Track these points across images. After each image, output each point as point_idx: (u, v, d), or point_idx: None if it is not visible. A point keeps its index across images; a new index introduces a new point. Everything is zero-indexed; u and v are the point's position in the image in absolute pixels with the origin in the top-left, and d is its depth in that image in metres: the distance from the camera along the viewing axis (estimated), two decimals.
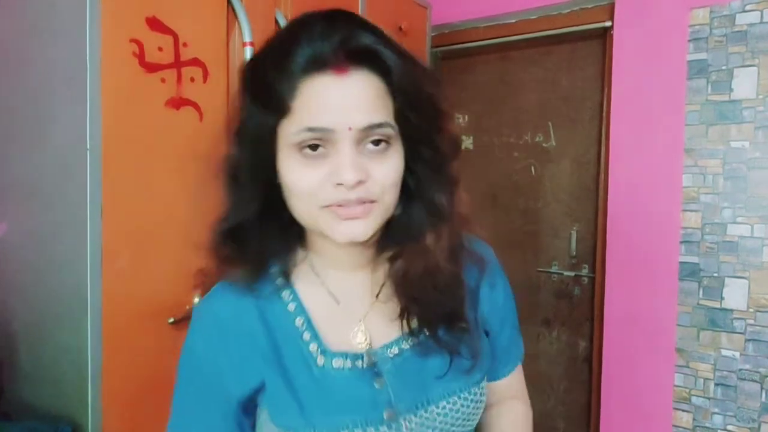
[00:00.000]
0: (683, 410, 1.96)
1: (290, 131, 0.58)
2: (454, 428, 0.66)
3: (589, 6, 2.18)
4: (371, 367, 0.64)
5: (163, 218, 1.13)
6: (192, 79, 1.18)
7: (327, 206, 0.59)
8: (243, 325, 0.65)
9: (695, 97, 1.91)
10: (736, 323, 1.85)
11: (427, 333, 0.66)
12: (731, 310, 1.86)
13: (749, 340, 1.83)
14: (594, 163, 2.27)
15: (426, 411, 0.64)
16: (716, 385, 1.90)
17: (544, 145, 2.41)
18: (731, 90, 1.85)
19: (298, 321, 0.65)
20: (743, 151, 1.84)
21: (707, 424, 1.92)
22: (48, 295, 1.09)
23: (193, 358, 0.67)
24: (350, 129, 0.57)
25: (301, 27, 0.59)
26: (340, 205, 0.59)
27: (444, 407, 0.65)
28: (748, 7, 1.81)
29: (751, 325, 1.83)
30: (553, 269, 2.40)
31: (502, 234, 2.48)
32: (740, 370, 1.85)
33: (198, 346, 0.66)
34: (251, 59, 0.63)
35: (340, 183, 0.57)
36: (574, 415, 2.36)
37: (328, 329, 0.66)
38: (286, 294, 0.67)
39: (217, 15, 1.24)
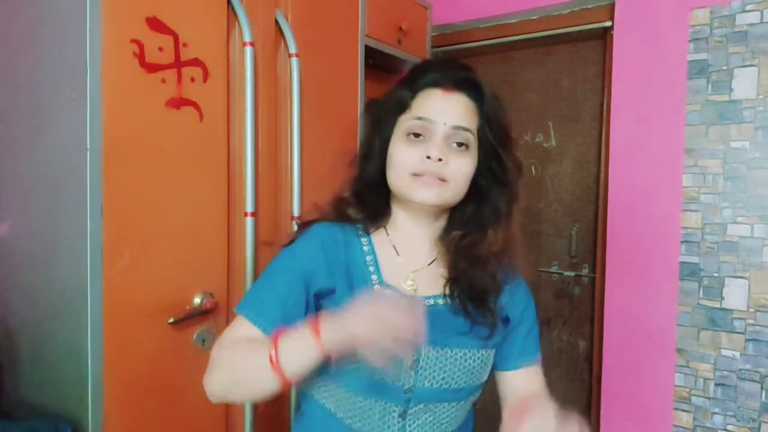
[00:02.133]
0: (683, 410, 1.96)
1: (405, 119, 0.88)
2: (460, 374, 0.87)
3: (589, 6, 2.17)
4: None
5: (163, 218, 1.14)
6: (192, 79, 1.18)
7: (414, 174, 0.86)
8: (334, 247, 0.90)
9: (695, 97, 1.91)
10: (736, 323, 1.85)
11: (460, 303, 0.89)
12: (731, 310, 1.86)
13: (749, 340, 1.83)
14: (594, 163, 2.27)
15: (443, 350, 0.86)
16: (716, 385, 1.90)
17: (544, 145, 2.41)
18: (731, 90, 1.85)
19: (368, 258, 0.91)
20: (743, 151, 1.84)
21: (707, 424, 1.92)
22: (48, 295, 1.09)
23: (292, 255, 0.90)
24: (445, 124, 0.86)
25: (429, 62, 0.96)
26: (422, 175, 0.85)
27: (457, 353, 0.86)
28: (748, 7, 1.81)
29: (751, 325, 1.83)
30: (554, 269, 2.40)
31: None
32: (740, 370, 1.85)
33: (300, 249, 0.90)
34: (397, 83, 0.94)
35: (428, 156, 0.84)
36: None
37: (386, 271, 0.90)
38: (364, 240, 0.93)
39: (217, 15, 1.24)
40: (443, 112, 0.86)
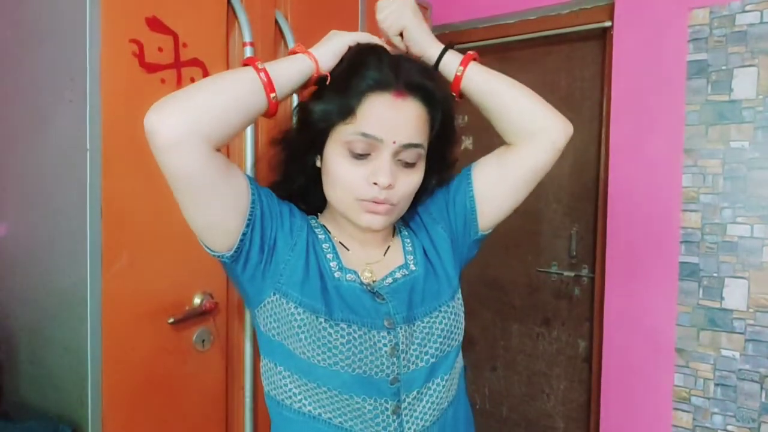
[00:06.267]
0: (683, 410, 1.96)
1: (347, 132, 0.76)
2: (442, 339, 0.84)
3: (589, 6, 2.18)
4: (372, 290, 0.83)
5: (162, 218, 1.13)
6: (192, 79, 1.18)
7: (360, 200, 0.78)
8: (309, 228, 0.86)
9: (695, 97, 1.91)
10: (736, 323, 1.85)
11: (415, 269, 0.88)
12: (731, 310, 1.86)
13: (749, 340, 1.83)
14: (594, 163, 2.27)
15: (415, 324, 0.82)
16: (716, 385, 1.90)
17: None
18: (731, 90, 1.85)
19: (325, 246, 0.85)
20: (743, 152, 1.84)
21: (707, 424, 1.92)
22: (48, 296, 1.09)
23: (283, 201, 0.85)
24: (395, 143, 0.76)
25: (378, 56, 0.79)
26: (370, 201, 0.77)
27: (429, 321, 0.84)
28: (748, 8, 1.81)
29: (751, 325, 1.83)
30: (553, 269, 2.40)
31: (502, 234, 2.48)
32: (740, 370, 1.85)
33: (290, 206, 0.86)
34: (333, 72, 0.81)
35: (376, 183, 0.76)
36: (574, 415, 2.36)
37: (344, 259, 0.85)
38: (318, 230, 0.87)
39: (217, 15, 1.24)
40: (393, 127, 0.76)
